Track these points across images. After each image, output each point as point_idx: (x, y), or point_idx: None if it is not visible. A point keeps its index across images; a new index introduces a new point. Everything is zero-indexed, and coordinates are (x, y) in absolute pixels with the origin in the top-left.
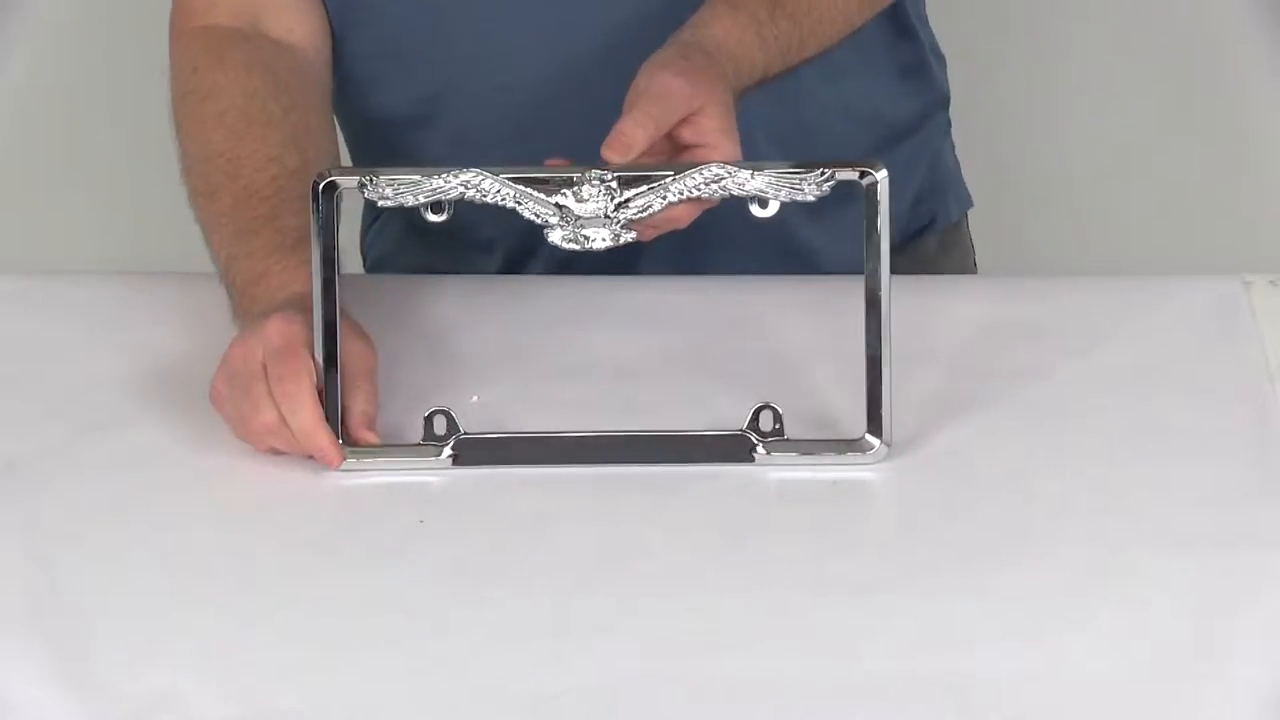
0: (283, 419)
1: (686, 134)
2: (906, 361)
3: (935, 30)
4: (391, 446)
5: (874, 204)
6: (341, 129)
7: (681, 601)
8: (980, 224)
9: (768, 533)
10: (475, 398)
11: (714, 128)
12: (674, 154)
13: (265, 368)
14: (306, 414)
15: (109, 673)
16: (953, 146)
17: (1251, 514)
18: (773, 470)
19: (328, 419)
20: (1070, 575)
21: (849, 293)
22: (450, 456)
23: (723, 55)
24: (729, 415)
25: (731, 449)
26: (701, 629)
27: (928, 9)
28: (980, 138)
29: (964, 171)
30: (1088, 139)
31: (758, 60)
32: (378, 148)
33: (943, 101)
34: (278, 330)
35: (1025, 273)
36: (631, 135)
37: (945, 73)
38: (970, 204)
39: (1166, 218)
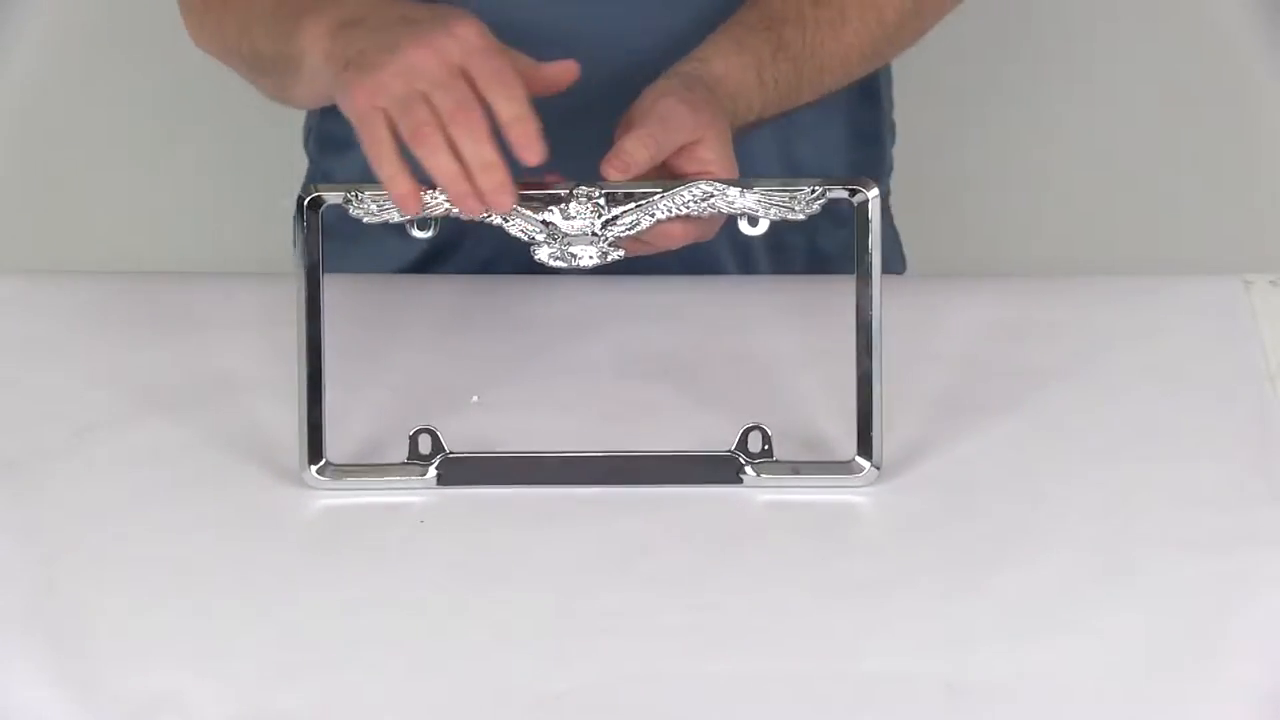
0: (490, 112)
1: (685, 164)
2: (907, 362)
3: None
4: (375, 466)
5: (865, 222)
6: None
7: (681, 602)
8: (982, 224)
9: (767, 532)
10: (475, 398)
11: (713, 158)
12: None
13: (462, 69)
14: (523, 103)
15: (109, 673)
16: (890, 219)
17: (1251, 514)
18: (763, 492)
19: (312, 435)
20: (1071, 575)
21: (847, 292)
22: (435, 476)
23: (723, 92)
24: (726, 418)
25: (720, 470)
26: (701, 629)
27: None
28: (981, 134)
29: (971, 164)
30: (1088, 139)
31: (755, 101)
32: None
33: (886, 174)
34: (476, 30)
35: (1026, 273)
36: (633, 154)
37: (893, 147)
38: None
39: (1166, 218)
